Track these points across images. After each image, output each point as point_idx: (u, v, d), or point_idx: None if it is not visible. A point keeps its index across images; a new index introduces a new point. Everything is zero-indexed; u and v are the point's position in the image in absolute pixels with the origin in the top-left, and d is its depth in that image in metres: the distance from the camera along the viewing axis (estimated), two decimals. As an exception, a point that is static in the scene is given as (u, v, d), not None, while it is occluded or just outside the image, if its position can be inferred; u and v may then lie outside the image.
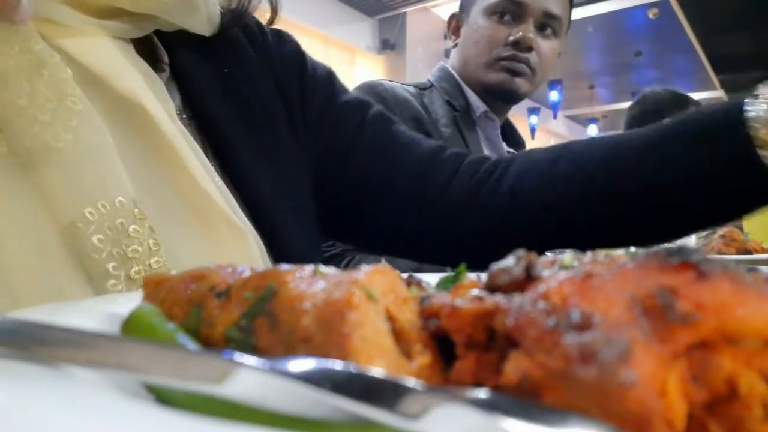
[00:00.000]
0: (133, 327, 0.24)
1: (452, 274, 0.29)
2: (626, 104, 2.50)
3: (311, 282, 0.23)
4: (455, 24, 1.54)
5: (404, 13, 7.13)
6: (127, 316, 0.25)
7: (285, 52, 0.75)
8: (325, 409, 0.17)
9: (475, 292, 0.23)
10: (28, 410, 0.15)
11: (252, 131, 0.66)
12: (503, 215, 0.69)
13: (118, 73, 0.51)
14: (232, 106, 0.65)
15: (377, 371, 0.18)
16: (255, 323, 0.23)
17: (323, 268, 0.25)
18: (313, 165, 0.73)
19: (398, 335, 0.22)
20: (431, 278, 0.30)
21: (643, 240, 0.62)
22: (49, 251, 0.43)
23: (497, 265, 0.23)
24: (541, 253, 0.25)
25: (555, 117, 9.90)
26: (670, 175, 0.59)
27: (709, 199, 0.58)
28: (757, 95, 0.57)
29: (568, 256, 0.23)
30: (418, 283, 0.27)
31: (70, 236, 0.43)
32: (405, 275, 0.27)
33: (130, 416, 0.15)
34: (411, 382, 0.17)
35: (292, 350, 0.21)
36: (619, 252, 0.22)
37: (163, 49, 0.63)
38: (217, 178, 0.56)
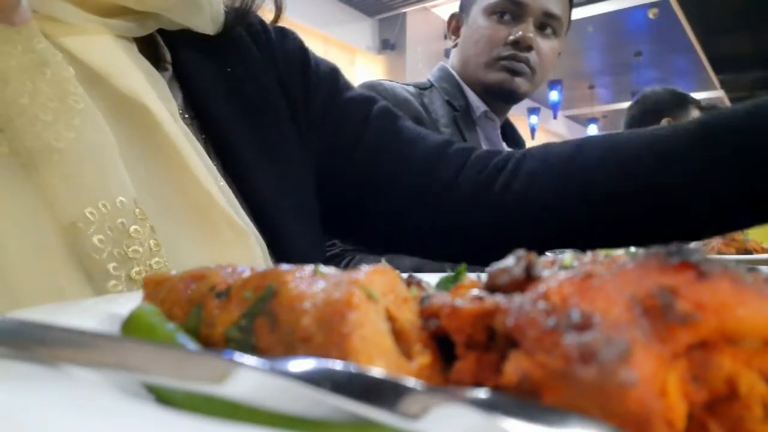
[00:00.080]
0: (133, 327, 0.24)
1: (452, 274, 0.29)
2: (626, 104, 2.50)
3: (311, 282, 0.23)
4: (455, 24, 1.54)
5: (404, 13, 7.13)
6: (127, 316, 0.25)
7: (288, 50, 0.75)
8: (325, 409, 0.17)
9: (475, 292, 0.23)
10: (28, 410, 0.15)
11: (255, 130, 0.65)
12: (514, 213, 0.68)
13: (120, 72, 0.51)
14: (234, 106, 0.65)
15: (377, 371, 0.18)
16: (255, 323, 0.23)
17: (323, 268, 0.25)
18: (317, 162, 0.73)
19: (398, 335, 0.22)
20: (431, 278, 0.30)
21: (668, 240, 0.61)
22: (50, 251, 0.43)
23: (497, 265, 0.23)
24: (541, 253, 0.25)
25: (555, 117, 9.90)
26: (713, 183, 0.57)
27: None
28: None
29: (568, 256, 0.23)
30: (418, 283, 0.27)
31: (70, 236, 0.43)
32: (405, 275, 0.27)
33: (130, 416, 0.15)
34: (411, 382, 0.17)
35: (292, 350, 0.21)
36: (619, 252, 0.22)
37: (166, 48, 0.63)
38: (219, 178, 0.56)
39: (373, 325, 0.21)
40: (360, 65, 7.17)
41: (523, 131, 2.11)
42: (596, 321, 0.18)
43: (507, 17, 1.40)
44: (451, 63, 1.52)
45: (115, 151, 0.47)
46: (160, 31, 0.61)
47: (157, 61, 0.60)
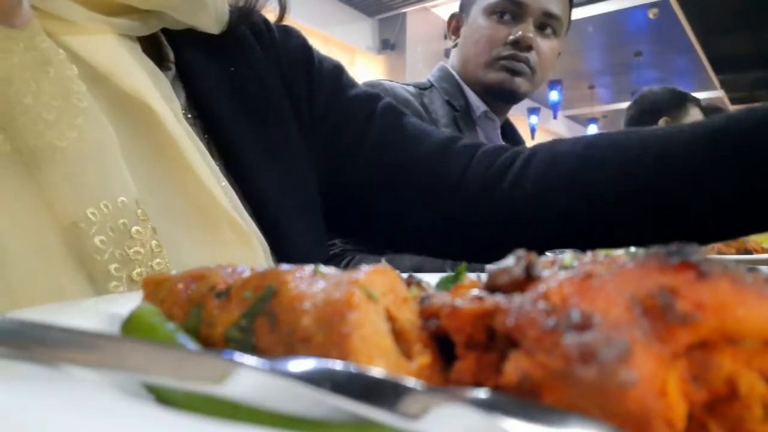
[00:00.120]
0: (133, 327, 0.24)
1: (452, 274, 0.29)
2: (626, 104, 2.49)
3: (311, 282, 0.23)
4: (455, 24, 1.54)
5: (404, 13, 7.13)
6: (127, 316, 0.25)
7: (291, 48, 0.75)
8: (325, 409, 0.17)
9: (475, 292, 0.23)
10: (28, 410, 0.15)
11: (258, 130, 0.65)
12: (522, 211, 0.67)
13: (123, 71, 0.51)
14: (238, 105, 0.65)
15: (377, 371, 0.18)
16: (255, 323, 0.23)
17: (323, 268, 0.25)
18: (321, 160, 0.72)
19: (398, 335, 0.22)
20: (431, 278, 0.30)
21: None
22: (51, 252, 0.43)
23: (497, 265, 0.23)
24: (541, 253, 0.25)
25: (555, 117, 9.90)
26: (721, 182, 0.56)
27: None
28: None
29: (568, 256, 0.23)
30: (418, 283, 0.27)
31: (71, 237, 0.43)
32: (405, 275, 0.27)
33: (130, 416, 0.15)
34: (411, 382, 0.17)
35: (292, 350, 0.21)
36: (619, 252, 0.22)
37: (170, 47, 0.63)
38: (222, 178, 0.56)
39: (373, 325, 0.21)
40: (360, 65, 7.17)
41: (523, 131, 2.11)
42: (596, 321, 0.18)
43: (507, 17, 1.40)
44: (451, 63, 1.52)
45: (117, 150, 0.47)
46: (164, 31, 0.61)
47: (160, 61, 0.60)
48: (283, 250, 0.60)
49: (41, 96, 0.44)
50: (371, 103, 0.76)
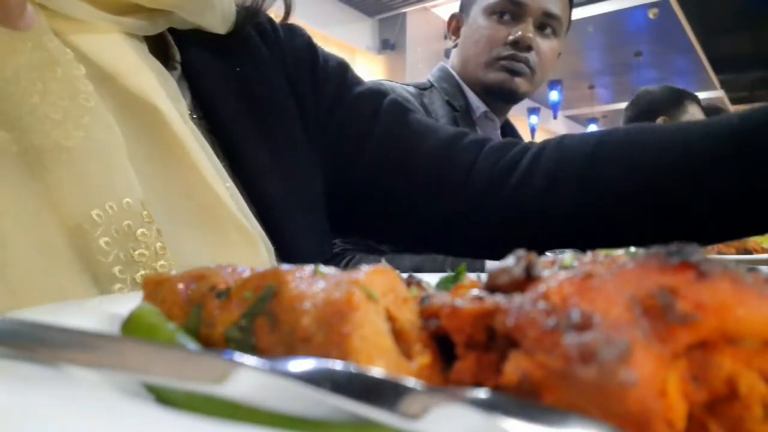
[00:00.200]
0: (133, 327, 0.24)
1: (452, 274, 0.29)
2: (626, 104, 2.48)
3: (311, 282, 0.23)
4: (455, 24, 1.55)
5: (404, 13, 7.14)
6: (127, 316, 0.25)
7: (296, 47, 0.75)
8: (325, 409, 0.17)
9: (475, 292, 0.23)
10: (28, 410, 0.15)
11: (263, 130, 0.65)
12: (528, 210, 0.66)
13: (130, 71, 0.51)
14: (243, 105, 0.64)
15: (377, 371, 0.18)
16: (255, 323, 0.23)
17: (323, 268, 0.25)
18: (327, 158, 0.72)
19: (398, 335, 0.22)
20: (431, 278, 0.30)
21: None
22: (55, 253, 0.42)
23: (497, 265, 0.23)
24: (541, 253, 0.25)
25: (555, 117, 9.91)
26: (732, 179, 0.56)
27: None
28: None
29: (568, 256, 0.23)
30: (418, 283, 0.27)
31: (76, 238, 0.43)
32: (405, 275, 0.27)
33: (130, 416, 0.15)
34: (411, 382, 0.17)
35: (292, 350, 0.21)
36: (619, 252, 0.22)
37: (176, 47, 0.63)
38: (227, 178, 0.56)
39: (373, 325, 0.21)
40: (360, 65, 7.17)
41: (523, 131, 2.11)
42: (596, 321, 0.18)
43: (507, 17, 1.40)
44: (451, 63, 1.52)
45: (123, 151, 0.47)
46: (170, 30, 0.61)
47: (166, 60, 0.60)
48: (288, 250, 0.60)
49: (48, 95, 0.44)
50: (377, 99, 0.76)
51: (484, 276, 0.26)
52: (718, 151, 0.56)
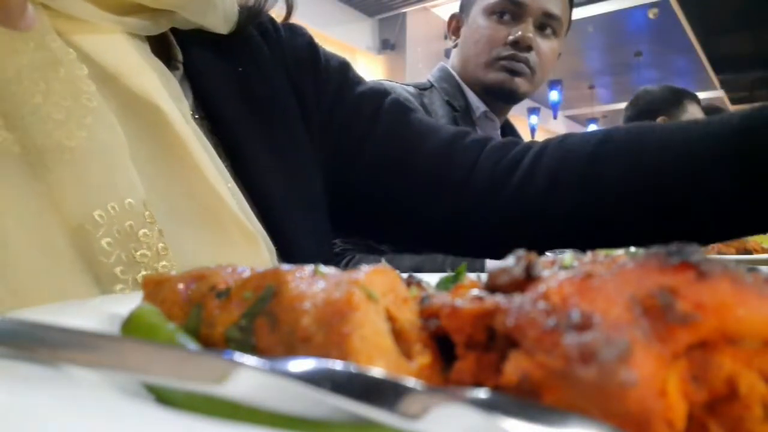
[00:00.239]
0: (133, 327, 0.24)
1: (452, 274, 0.29)
2: (626, 104, 2.48)
3: (311, 282, 0.23)
4: (455, 24, 1.55)
5: (404, 13, 7.14)
6: (127, 316, 0.25)
7: (297, 47, 0.75)
8: (325, 409, 0.17)
9: (475, 292, 0.23)
10: (28, 410, 0.15)
11: (265, 130, 0.65)
12: (532, 206, 0.66)
13: (133, 71, 0.51)
14: (245, 106, 0.64)
15: (377, 371, 0.18)
16: (255, 323, 0.23)
17: (323, 268, 0.25)
18: (328, 158, 0.72)
19: (398, 335, 0.22)
20: (431, 278, 0.30)
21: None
22: (57, 253, 0.42)
23: (497, 265, 0.23)
24: (541, 253, 0.25)
25: (555, 117, 9.91)
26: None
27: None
28: None
29: (568, 256, 0.23)
30: (418, 283, 0.27)
31: (78, 238, 0.43)
32: (405, 275, 0.27)
33: (130, 416, 0.15)
34: (411, 382, 0.17)
35: (292, 350, 0.21)
36: (619, 252, 0.22)
37: (178, 47, 0.63)
38: (230, 179, 0.56)
39: (373, 325, 0.21)
40: (360, 65, 7.17)
41: (523, 131, 2.11)
42: (596, 321, 0.18)
43: (507, 17, 1.40)
44: (452, 63, 1.52)
45: (125, 151, 0.47)
46: (172, 30, 0.61)
47: (168, 60, 0.60)
48: (289, 251, 0.60)
49: (51, 96, 0.44)
50: (378, 99, 0.76)
51: (484, 276, 0.26)
52: (719, 150, 0.56)
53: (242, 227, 0.52)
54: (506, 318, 0.20)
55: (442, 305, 0.22)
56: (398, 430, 0.16)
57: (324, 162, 0.72)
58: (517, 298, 0.20)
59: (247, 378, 0.18)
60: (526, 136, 1.67)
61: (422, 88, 1.46)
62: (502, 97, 1.45)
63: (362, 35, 7.23)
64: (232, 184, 0.56)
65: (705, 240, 0.64)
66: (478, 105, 1.46)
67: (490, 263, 0.97)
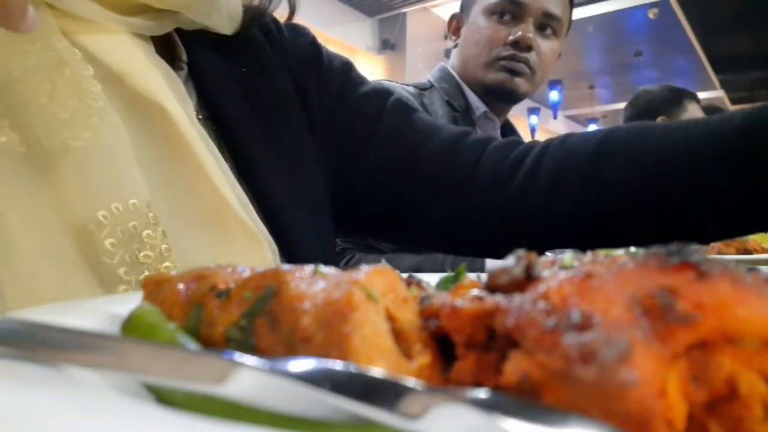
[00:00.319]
0: (133, 327, 0.24)
1: (452, 274, 0.29)
2: (626, 104, 2.49)
3: (311, 282, 0.23)
4: (456, 24, 1.55)
5: (404, 13, 7.14)
6: (127, 316, 0.25)
7: (300, 47, 0.75)
8: (325, 409, 0.17)
9: (475, 292, 0.23)
10: (28, 410, 0.15)
11: (268, 131, 0.65)
12: (534, 206, 0.66)
13: (138, 71, 0.51)
14: (248, 106, 0.64)
15: (377, 371, 0.18)
16: (255, 323, 0.23)
17: (323, 268, 0.25)
18: (331, 158, 0.72)
19: (398, 335, 0.22)
20: (431, 278, 0.30)
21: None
22: (61, 254, 0.42)
23: (497, 265, 0.23)
24: (541, 253, 0.25)
25: (555, 117, 9.91)
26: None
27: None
28: None
29: (568, 256, 0.23)
30: (418, 283, 0.27)
31: (82, 239, 0.43)
32: (405, 275, 0.27)
33: (130, 416, 0.15)
34: (411, 382, 0.17)
35: (292, 350, 0.21)
36: (619, 252, 0.22)
37: (182, 47, 0.63)
38: (234, 180, 0.56)
39: (373, 325, 0.21)
40: (360, 65, 7.13)
41: (523, 131, 2.11)
42: (596, 321, 0.18)
43: (507, 17, 1.40)
44: (452, 63, 1.52)
45: (130, 152, 0.47)
46: (176, 31, 0.61)
47: (172, 61, 0.60)
48: (293, 251, 0.60)
49: (56, 96, 0.44)
50: (381, 99, 0.76)
51: (484, 276, 0.26)
52: (719, 150, 0.56)
53: (246, 228, 0.52)
54: (506, 318, 0.20)
55: (442, 305, 0.22)
56: (398, 430, 0.16)
57: (327, 162, 0.72)
58: (517, 298, 0.20)
59: (247, 378, 0.18)
60: (526, 136, 1.67)
61: (422, 88, 1.46)
62: (502, 97, 1.45)
63: (362, 35, 7.23)
64: (238, 189, 0.56)
65: (705, 240, 0.64)
66: (478, 105, 1.46)
67: (490, 263, 0.97)
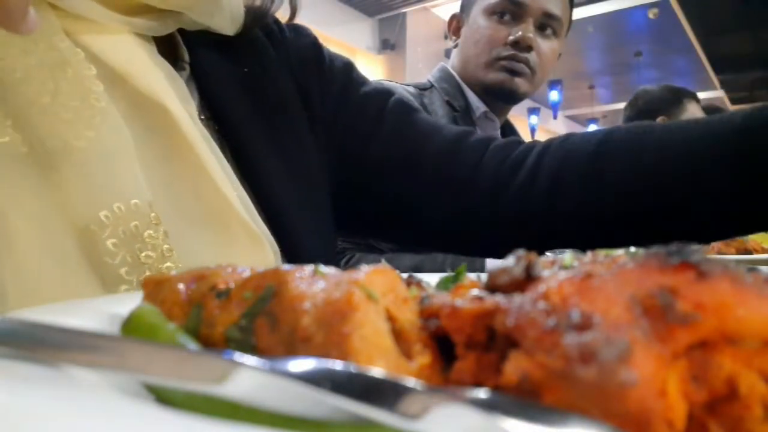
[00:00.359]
0: (133, 327, 0.24)
1: (452, 274, 0.29)
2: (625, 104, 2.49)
3: (311, 282, 0.23)
4: (456, 24, 1.55)
5: (404, 13, 7.14)
6: (127, 316, 0.25)
7: (302, 47, 0.75)
8: (325, 409, 0.17)
9: (475, 292, 0.23)
10: (28, 410, 0.15)
11: (271, 131, 0.65)
12: (535, 206, 0.67)
13: (140, 71, 0.51)
14: (250, 107, 0.65)
15: (377, 371, 0.18)
16: (255, 323, 0.23)
17: (323, 268, 0.25)
18: (333, 158, 0.72)
19: (398, 335, 0.22)
20: (431, 278, 0.30)
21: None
22: (63, 254, 0.42)
23: (497, 265, 0.23)
24: (541, 253, 0.25)
25: (555, 117, 9.91)
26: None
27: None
28: None
29: (568, 256, 0.23)
30: (418, 283, 0.27)
31: (84, 239, 0.43)
32: (405, 275, 0.27)
33: (130, 416, 0.15)
34: (411, 382, 0.17)
35: (292, 350, 0.21)
36: (619, 252, 0.22)
37: (185, 48, 0.63)
38: (236, 180, 0.56)
39: (373, 325, 0.21)
40: (360, 65, 7.13)
41: (523, 131, 2.11)
42: (596, 321, 0.18)
43: (507, 17, 1.40)
44: (452, 63, 1.52)
45: (132, 152, 0.47)
46: (178, 31, 0.61)
47: (175, 61, 0.60)
48: (294, 252, 0.60)
49: (59, 96, 0.44)
50: (382, 99, 0.76)
51: (484, 276, 0.26)
52: (719, 150, 0.56)
53: (248, 229, 0.52)
54: (506, 318, 0.20)
55: (442, 305, 0.22)
56: (398, 430, 0.16)
57: (328, 162, 0.72)
58: (517, 298, 0.20)
59: (247, 378, 0.18)
60: (526, 136, 1.67)
61: (422, 88, 1.46)
62: (502, 97, 1.45)
63: (362, 35, 7.23)
64: (240, 189, 0.56)
65: (705, 240, 0.64)
66: (478, 105, 1.46)
67: (490, 263, 0.97)
